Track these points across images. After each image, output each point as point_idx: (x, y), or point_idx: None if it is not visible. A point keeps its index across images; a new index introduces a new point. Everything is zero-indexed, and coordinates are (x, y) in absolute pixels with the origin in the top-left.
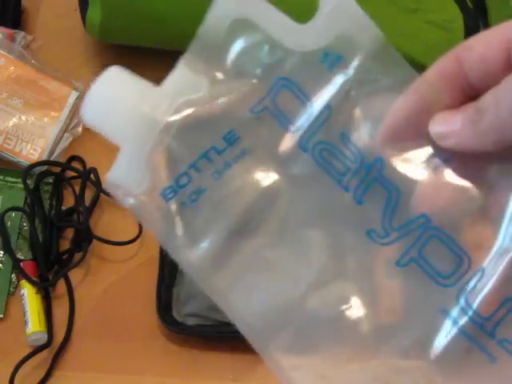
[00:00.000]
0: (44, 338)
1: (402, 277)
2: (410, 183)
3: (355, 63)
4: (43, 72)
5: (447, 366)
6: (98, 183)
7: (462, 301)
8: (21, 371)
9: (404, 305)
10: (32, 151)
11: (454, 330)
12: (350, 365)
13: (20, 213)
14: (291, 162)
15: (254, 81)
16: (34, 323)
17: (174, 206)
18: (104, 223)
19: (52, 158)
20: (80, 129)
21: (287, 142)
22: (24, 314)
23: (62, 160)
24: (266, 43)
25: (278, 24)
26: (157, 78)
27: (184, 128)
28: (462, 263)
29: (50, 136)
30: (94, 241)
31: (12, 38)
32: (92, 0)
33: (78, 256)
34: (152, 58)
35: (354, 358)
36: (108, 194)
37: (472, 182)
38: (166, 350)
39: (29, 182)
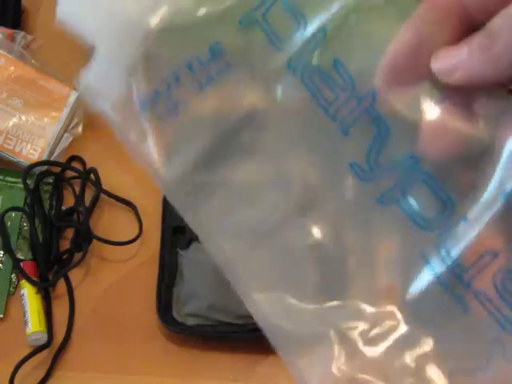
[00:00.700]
0: (44, 338)
1: (381, 216)
2: (402, 123)
3: None
4: (43, 72)
5: (418, 313)
6: (97, 183)
7: (442, 249)
8: (21, 371)
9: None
10: (32, 151)
11: (431, 277)
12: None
13: (20, 213)
14: (278, 83)
15: None
16: (34, 323)
17: (150, 117)
18: (104, 223)
19: (52, 158)
20: (80, 129)
21: (275, 61)
22: (24, 314)
23: (62, 160)
24: None
25: None
26: None
27: (168, 32)
28: (445, 209)
29: (50, 136)
30: (94, 241)
31: (12, 38)
32: None
33: (78, 256)
34: None
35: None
36: (108, 194)
37: (473, 123)
38: (166, 350)
39: (29, 182)
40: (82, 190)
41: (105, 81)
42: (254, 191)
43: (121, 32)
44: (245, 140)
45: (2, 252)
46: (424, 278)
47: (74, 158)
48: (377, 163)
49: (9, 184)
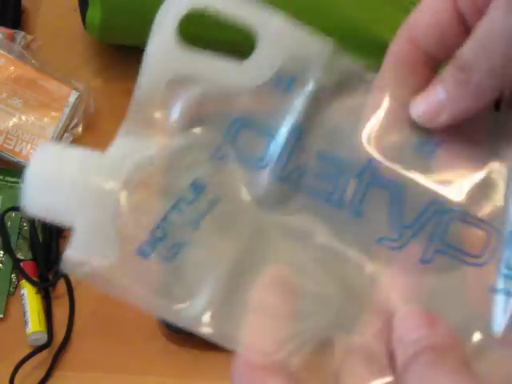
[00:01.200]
0: (44, 338)
1: (432, 273)
2: (410, 175)
3: (311, 78)
4: (43, 72)
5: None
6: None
7: (504, 270)
8: (21, 371)
9: (442, 300)
10: (32, 151)
11: (509, 300)
12: None
13: (20, 213)
14: (271, 197)
15: (210, 127)
16: (34, 323)
17: (155, 262)
18: None
19: None
20: (80, 129)
21: (260, 179)
22: (24, 314)
23: None
24: (209, 91)
25: (219, 69)
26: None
27: (144, 185)
28: (489, 235)
29: (50, 136)
30: None
31: (12, 38)
32: (92, 0)
33: None
34: None
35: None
36: None
37: (473, 154)
38: (166, 350)
39: None
40: None
41: (92, 250)
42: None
43: (96, 203)
44: (259, 259)
45: (1, 252)
46: (505, 305)
47: None
48: (403, 225)
49: (9, 184)
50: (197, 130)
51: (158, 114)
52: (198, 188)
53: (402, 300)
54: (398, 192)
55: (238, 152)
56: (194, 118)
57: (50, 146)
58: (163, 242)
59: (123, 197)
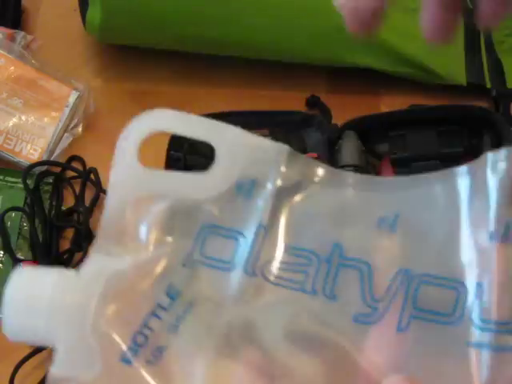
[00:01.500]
0: None
1: (411, 340)
2: (374, 251)
3: (270, 178)
4: (43, 72)
5: None
6: (98, 183)
7: (478, 322)
8: (21, 371)
9: (424, 362)
10: (32, 151)
11: (487, 353)
12: None
13: (20, 213)
14: (246, 295)
15: (179, 236)
16: None
17: (140, 367)
18: None
19: (52, 158)
20: (80, 129)
21: (233, 279)
22: None
23: (62, 160)
24: (175, 204)
25: (181, 183)
26: (157, 78)
27: (120, 297)
28: (458, 292)
29: (50, 136)
30: None
31: (12, 38)
32: (92, 0)
33: (78, 256)
34: (152, 58)
35: None
36: None
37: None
38: None
39: (29, 182)
40: (82, 190)
41: (76, 366)
42: None
43: (73, 322)
44: (239, 349)
45: (1, 252)
46: (484, 358)
47: (73, 158)
48: (375, 299)
49: (9, 184)
50: (167, 240)
51: (128, 230)
52: (173, 294)
53: (386, 371)
54: (366, 268)
55: (208, 257)
56: (164, 229)
57: (25, 270)
58: (145, 347)
59: (100, 310)
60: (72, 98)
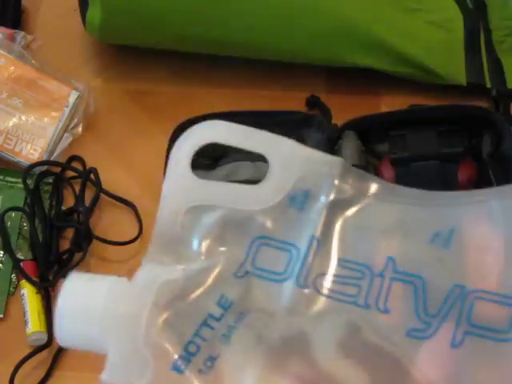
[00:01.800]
0: (44, 338)
1: (464, 356)
2: (428, 265)
3: (324, 191)
4: (43, 72)
5: None
6: (98, 183)
7: None
8: (21, 371)
9: (478, 379)
10: (32, 151)
11: None
12: None
13: (20, 213)
14: (298, 307)
15: (232, 247)
16: (34, 323)
17: (192, 376)
18: (104, 223)
19: (52, 158)
20: (80, 129)
21: (285, 290)
22: (24, 313)
23: (62, 160)
24: (225, 216)
25: (234, 194)
26: (157, 78)
27: (172, 306)
28: None
29: (50, 136)
30: (94, 241)
31: (12, 38)
32: (92, 0)
33: (78, 256)
34: (152, 58)
35: None
36: (108, 194)
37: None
38: None
39: (29, 182)
40: (82, 190)
41: (128, 372)
42: None
43: (125, 330)
44: (293, 362)
45: (1, 252)
46: None
47: (73, 158)
48: (429, 314)
49: (9, 184)
50: (220, 250)
51: (180, 240)
52: (224, 304)
53: None
54: (420, 283)
55: (260, 268)
56: (216, 239)
57: (78, 276)
58: (197, 356)
59: (153, 320)
60: (72, 98)
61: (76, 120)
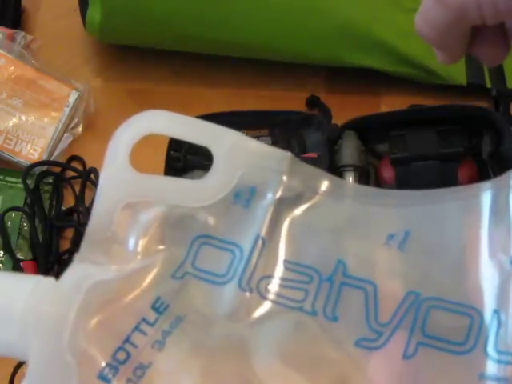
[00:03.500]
0: None
1: (417, 368)
2: (381, 270)
3: (271, 187)
4: (43, 72)
5: None
6: (98, 183)
7: (493, 353)
8: (21, 371)
9: None
10: (32, 151)
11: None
12: None
13: (20, 213)
14: (239, 311)
15: (171, 247)
16: None
17: None
18: None
19: (52, 158)
20: (80, 129)
21: (226, 293)
22: None
23: (62, 160)
24: (165, 213)
25: (175, 190)
26: (157, 77)
27: (102, 309)
28: (471, 318)
29: (50, 136)
30: None
31: (12, 38)
32: (92, 0)
33: None
34: (152, 58)
35: None
36: None
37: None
38: None
39: (29, 182)
40: (82, 190)
41: (48, 383)
42: None
43: (48, 334)
44: (231, 370)
45: (1, 252)
46: None
47: (73, 158)
48: (380, 323)
49: (9, 184)
50: (157, 250)
51: (115, 238)
52: (160, 308)
53: None
54: (372, 289)
55: (200, 269)
56: (154, 238)
57: (0, 275)
58: (126, 364)
59: (79, 323)
60: (72, 97)
61: (76, 120)
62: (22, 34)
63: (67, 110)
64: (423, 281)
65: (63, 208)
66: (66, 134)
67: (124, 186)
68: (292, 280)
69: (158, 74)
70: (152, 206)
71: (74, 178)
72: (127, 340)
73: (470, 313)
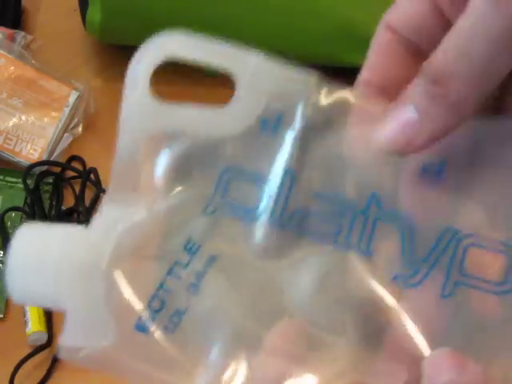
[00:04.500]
0: (44, 338)
1: (454, 307)
2: (417, 204)
3: (299, 114)
4: (43, 72)
5: None
6: (98, 183)
7: None
8: (21, 371)
9: (467, 334)
10: (32, 151)
11: None
12: None
13: (20, 213)
14: (273, 247)
15: (198, 182)
16: (34, 323)
17: (156, 336)
18: None
19: (52, 158)
20: (80, 129)
21: (258, 230)
22: (24, 313)
23: (62, 160)
24: (193, 144)
25: (199, 119)
26: (156, 78)
27: (134, 255)
28: (511, 262)
29: (50, 136)
30: None
31: (12, 38)
32: (92, 0)
33: None
34: None
35: None
36: None
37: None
38: None
39: (29, 182)
40: (82, 190)
41: (88, 333)
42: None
43: (82, 284)
44: (269, 314)
45: (1, 252)
46: None
47: (73, 157)
48: (417, 259)
49: (9, 184)
50: (185, 186)
51: (142, 177)
52: (192, 248)
53: (426, 341)
54: (408, 224)
55: (231, 204)
56: (181, 174)
57: (30, 226)
58: (162, 312)
59: (113, 271)
60: (72, 98)
61: (76, 120)
62: (22, 34)
63: (67, 110)
64: (463, 216)
65: (63, 208)
66: (66, 134)
67: (146, 116)
68: (324, 214)
69: (158, 75)
70: (177, 139)
71: (74, 177)
72: (161, 286)
73: (510, 252)
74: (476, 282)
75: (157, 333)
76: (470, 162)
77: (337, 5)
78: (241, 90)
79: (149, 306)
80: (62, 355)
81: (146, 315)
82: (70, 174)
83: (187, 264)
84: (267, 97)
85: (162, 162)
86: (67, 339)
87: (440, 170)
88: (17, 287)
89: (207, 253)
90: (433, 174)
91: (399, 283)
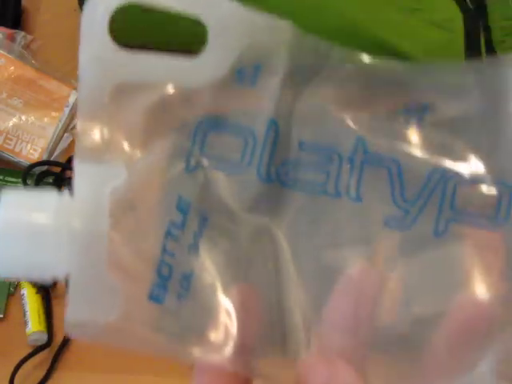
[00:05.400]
0: (44, 337)
1: (449, 246)
2: (402, 146)
3: (279, 63)
4: (43, 72)
5: None
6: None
7: None
8: (21, 371)
9: (465, 268)
10: (32, 151)
11: None
12: None
13: None
14: (261, 200)
15: (174, 136)
16: (34, 323)
17: (171, 305)
18: None
19: (52, 158)
20: None
21: (245, 183)
22: (24, 314)
23: (62, 160)
24: (163, 95)
25: (168, 68)
26: None
27: (129, 218)
28: (500, 192)
29: (50, 136)
30: None
31: (12, 38)
32: None
33: None
34: None
35: None
36: None
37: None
38: None
39: (29, 182)
40: None
41: (95, 306)
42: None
43: (85, 252)
44: (268, 267)
45: None
46: None
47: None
48: (407, 201)
49: (9, 184)
50: (161, 139)
51: (110, 132)
52: (184, 207)
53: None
54: (395, 166)
55: (212, 158)
56: (153, 126)
57: (13, 194)
58: (171, 278)
59: (114, 235)
60: (72, 98)
61: (76, 120)
62: (22, 33)
63: (67, 110)
64: (448, 157)
65: None
66: (66, 134)
67: (110, 65)
68: (311, 163)
69: None
70: (145, 88)
71: None
72: (165, 250)
73: (499, 186)
74: (468, 218)
75: (172, 301)
76: (453, 104)
77: (338, 5)
78: (213, 38)
79: (158, 273)
80: (69, 332)
81: (158, 284)
82: (70, 174)
83: (182, 224)
84: (241, 45)
85: (132, 114)
86: (72, 314)
87: (422, 113)
88: (6, 259)
89: (199, 211)
90: (415, 118)
91: (392, 227)
